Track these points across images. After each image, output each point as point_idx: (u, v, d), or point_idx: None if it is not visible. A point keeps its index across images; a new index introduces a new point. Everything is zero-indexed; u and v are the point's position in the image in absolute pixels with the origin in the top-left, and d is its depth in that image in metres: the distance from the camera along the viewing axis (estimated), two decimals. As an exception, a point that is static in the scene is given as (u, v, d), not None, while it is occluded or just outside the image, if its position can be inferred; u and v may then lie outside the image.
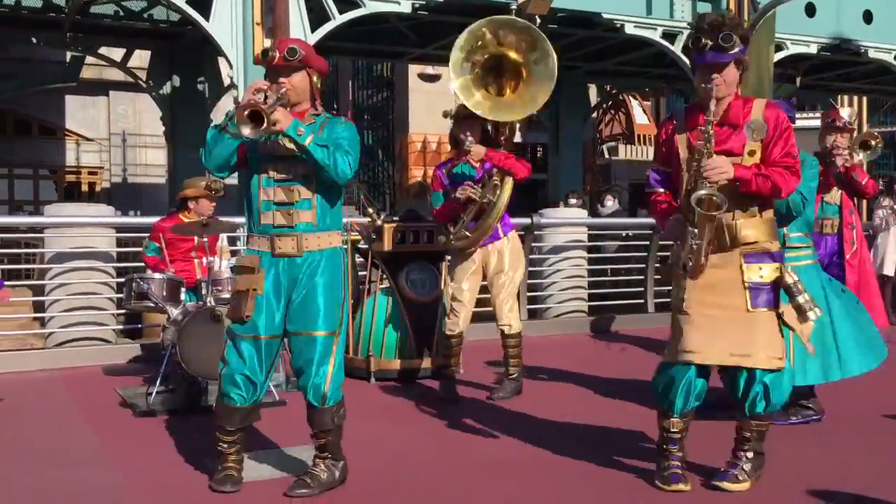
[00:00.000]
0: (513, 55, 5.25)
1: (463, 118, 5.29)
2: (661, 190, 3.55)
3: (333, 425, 3.59)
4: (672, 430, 3.54)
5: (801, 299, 3.44)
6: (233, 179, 3.86)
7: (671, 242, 3.66)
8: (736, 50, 3.38)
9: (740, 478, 3.55)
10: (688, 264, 3.38)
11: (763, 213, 3.51)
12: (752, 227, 3.46)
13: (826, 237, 5.19)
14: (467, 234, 5.27)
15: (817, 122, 7.73)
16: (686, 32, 11.10)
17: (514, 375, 5.51)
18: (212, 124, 3.62)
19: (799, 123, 7.43)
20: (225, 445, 3.62)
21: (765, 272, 3.46)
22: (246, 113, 3.32)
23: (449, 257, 5.63)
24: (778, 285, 3.48)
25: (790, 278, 3.45)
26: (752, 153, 3.44)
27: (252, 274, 3.50)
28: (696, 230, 3.34)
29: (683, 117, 3.56)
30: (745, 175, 3.39)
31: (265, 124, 3.33)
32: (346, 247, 4.20)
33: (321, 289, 3.54)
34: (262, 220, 3.54)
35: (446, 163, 5.53)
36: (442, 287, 6.04)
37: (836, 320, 4.57)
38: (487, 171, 5.28)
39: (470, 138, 5.24)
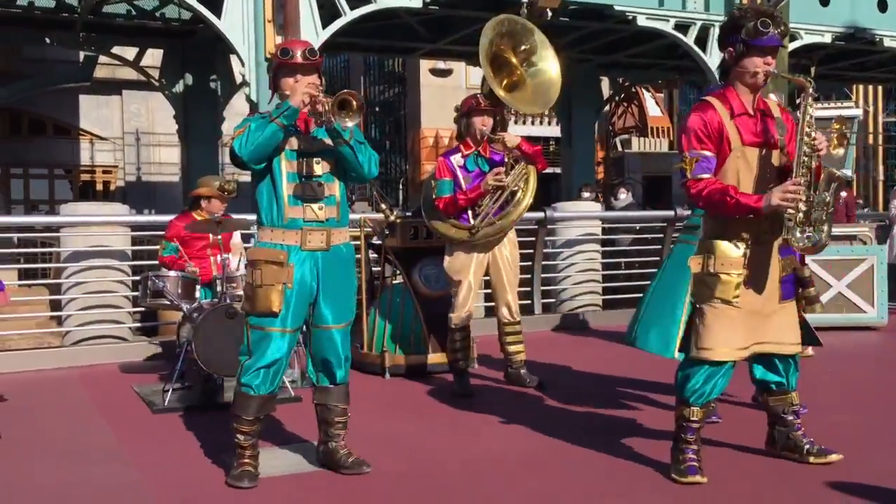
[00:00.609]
0: (513, 58, 5.44)
1: (483, 108, 5.31)
2: (710, 176, 3.45)
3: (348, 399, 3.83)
4: (693, 418, 3.57)
5: (813, 290, 3.64)
6: (245, 178, 3.89)
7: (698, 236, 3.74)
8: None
9: (829, 449, 3.75)
10: (818, 238, 3.41)
11: None
12: (780, 221, 3.45)
13: None
14: (494, 221, 5.28)
15: (831, 112, 7.69)
16: (699, 24, 11.06)
17: (523, 361, 5.60)
18: (253, 115, 3.65)
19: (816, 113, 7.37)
20: (242, 437, 3.66)
21: (787, 264, 3.59)
22: (338, 101, 3.44)
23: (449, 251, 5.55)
24: (797, 275, 3.62)
25: (808, 271, 3.55)
26: (782, 148, 3.51)
27: (281, 267, 3.55)
28: (831, 201, 3.44)
29: (721, 105, 3.51)
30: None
31: (356, 111, 3.45)
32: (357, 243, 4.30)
33: (348, 282, 3.76)
34: (289, 215, 3.59)
35: (452, 152, 5.50)
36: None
37: None
38: (511, 160, 5.30)
39: (487, 126, 5.29)
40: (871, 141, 24.29)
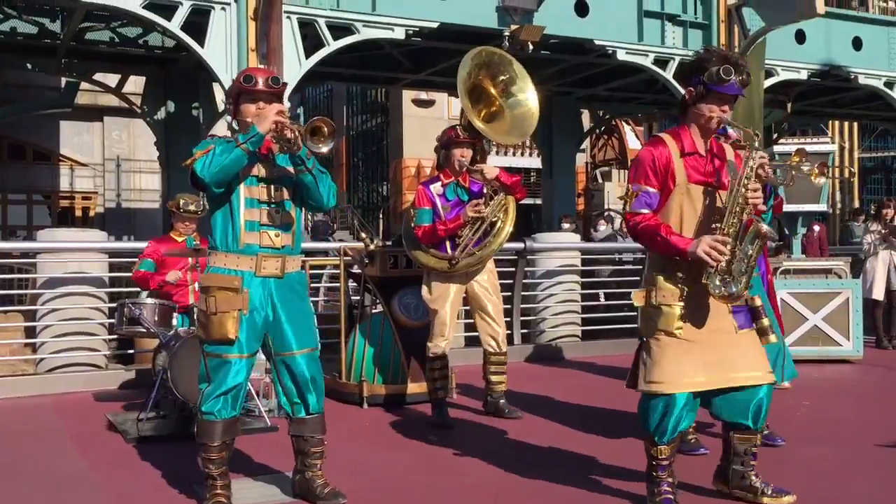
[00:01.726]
0: (491, 88, 5.53)
1: (462, 139, 5.37)
2: (648, 212, 3.50)
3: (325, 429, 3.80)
4: (661, 457, 3.54)
5: (766, 321, 3.58)
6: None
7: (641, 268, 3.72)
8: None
9: (785, 489, 3.67)
10: (734, 289, 3.40)
11: None
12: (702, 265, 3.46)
13: None
14: (475, 251, 5.29)
15: (807, 148, 7.80)
16: (678, 59, 11.22)
17: (503, 391, 5.59)
18: (219, 139, 3.61)
19: (790, 148, 7.50)
20: (212, 466, 3.62)
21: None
22: (311, 127, 3.47)
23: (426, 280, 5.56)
24: (749, 306, 3.58)
25: (758, 301, 3.57)
26: (730, 191, 3.51)
27: (235, 294, 3.52)
28: (753, 255, 3.43)
29: (672, 142, 3.56)
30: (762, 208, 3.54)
31: (328, 138, 3.48)
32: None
33: (304, 308, 3.76)
34: (244, 240, 3.57)
35: (432, 181, 5.52)
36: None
37: None
38: (489, 191, 5.34)
39: (466, 157, 5.36)
40: (847, 175, 24.63)
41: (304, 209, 3.75)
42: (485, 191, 5.39)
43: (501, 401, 5.59)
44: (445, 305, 5.37)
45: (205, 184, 3.48)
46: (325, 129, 3.49)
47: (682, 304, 3.46)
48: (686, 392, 3.46)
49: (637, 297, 3.56)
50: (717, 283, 3.40)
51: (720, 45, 10.99)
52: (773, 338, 3.57)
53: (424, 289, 5.46)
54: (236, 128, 3.75)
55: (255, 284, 3.58)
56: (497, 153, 21.95)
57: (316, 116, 3.59)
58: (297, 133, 3.48)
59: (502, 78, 5.53)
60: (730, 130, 4.25)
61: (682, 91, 3.63)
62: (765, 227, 3.42)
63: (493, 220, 5.32)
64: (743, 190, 3.42)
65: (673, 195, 3.50)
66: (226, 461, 3.66)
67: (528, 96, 5.56)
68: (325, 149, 3.50)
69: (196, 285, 5.50)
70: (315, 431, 3.76)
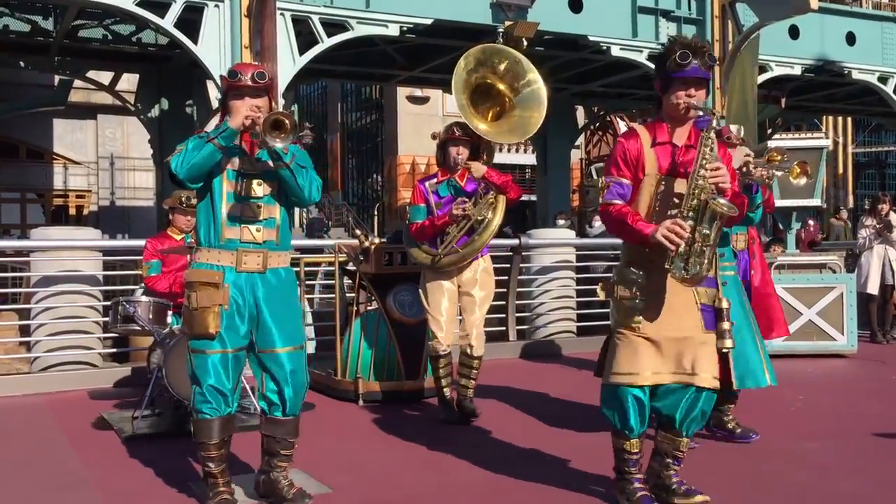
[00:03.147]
0: (500, 84, 5.51)
1: (456, 137, 5.36)
2: (620, 202, 3.51)
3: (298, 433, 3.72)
4: (632, 451, 3.53)
5: (727, 325, 3.50)
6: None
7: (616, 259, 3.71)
8: (709, 73, 3.50)
9: (697, 489, 3.58)
10: (695, 270, 3.36)
11: None
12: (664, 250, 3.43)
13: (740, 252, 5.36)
14: (458, 249, 5.29)
15: (801, 143, 7.81)
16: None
17: (472, 396, 5.45)
18: (194, 135, 3.60)
19: (785, 143, 7.51)
20: (212, 465, 3.61)
21: (708, 295, 3.53)
22: (270, 121, 3.40)
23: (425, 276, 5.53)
24: (715, 307, 3.52)
25: (725, 303, 3.51)
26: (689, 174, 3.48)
27: (216, 289, 3.51)
28: (711, 234, 3.36)
29: (645, 133, 3.57)
30: (735, 188, 3.48)
31: (289, 133, 3.41)
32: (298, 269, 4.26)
33: (290, 305, 3.68)
34: (226, 235, 3.56)
35: (430, 178, 5.54)
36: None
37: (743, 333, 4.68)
38: (482, 189, 5.34)
39: (462, 155, 5.35)
40: (840, 171, 24.69)
41: (286, 205, 3.69)
42: (479, 189, 5.38)
43: (465, 400, 5.42)
44: (440, 303, 5.38)
45: (180, 179, 3.49)
46: (286, 122, 3.43)
47: (641, 298, 3.45)
48: (647, 385, 3.45)
49: (600, 290, 3.58)
50: (679, 264, 3.38)
51: (713, 41, 11.01)
52: (728, 342, 3.48)
53: (421, 288, 5.47)
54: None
55: (236, 279, 3.56)
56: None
57: (277, 110, 3.54)
58: (290, 120, 3.45)
59: (508, 74, 5.52)
60: (725, 126, 4.25)
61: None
62: (722, 205, 3.33)
63: (480, 218, 5.29)
64: (701, 171, 3.38)
65: (643, 184, 3.51)
66: (225, 458, 3.65)
67: (537, 92, 5.56)
68: (280, 144, 3.43)
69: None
70: (287, 434, 3.68)
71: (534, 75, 5.57)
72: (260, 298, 3.59)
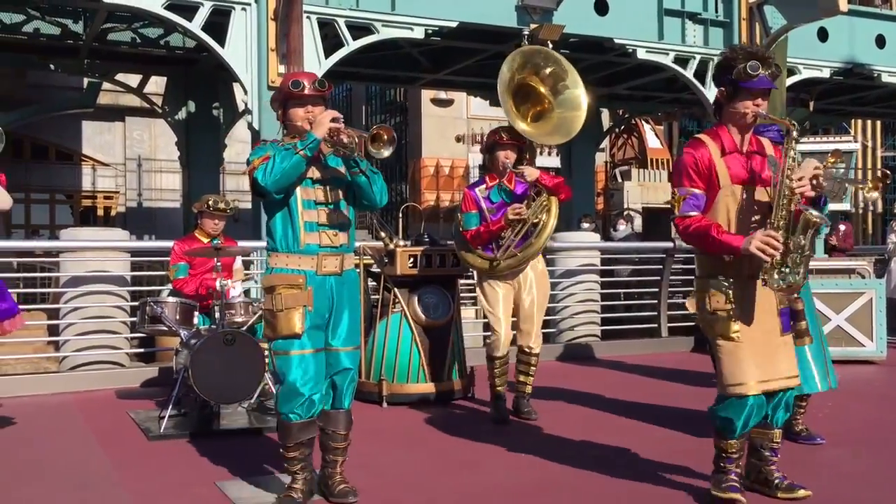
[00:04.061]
0: (541, 87, 5.61)
1: (504, 142, 5.41)
2: (698, 213, 3.53)
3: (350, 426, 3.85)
4: (731, 451, 3.60)
5: (803, 324, 3.65)
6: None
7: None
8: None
9: (800, 484, 3.69)
10: (793, 280, 3.43)
11: None
12: (758, 261, 3.48)
13: None
14: (517, 252, 5.33)
15: (829, 146, 7.73)
16: (699, 57, 11.15)
17: (529, 394, 5.59)
18: (273, 145, 3.64)
19: (811, 147, 7.44)
20: (287, 463, 3.71)
21: (784, 298, 3.61)
22: (373, 133, 3.57)
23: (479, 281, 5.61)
24: (791, 308, 3.64)
25: (800, 304, 3.56)
26: (774, 186, 3.51)
27: (300, 291, 3.62)
28: (805, 244, 3.44)
29: (712, 143, 3.58)
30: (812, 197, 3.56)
31: (389, 143, 3.58)
32: (358, 270, 4.36)
33: (356, 306, 3.84)
34: (305, 240, 3.66)
35: (478, 184, 5.59)
36: (454, 310, 6.09)
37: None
38: (533, 192, 5.37)
39: (510, 160, 5.40)
40: (869, 175, 24.39)
41: (356, 208, 3.83)
42: (529, 192, 5.41)
43: (523, 400, 5.60)
44: (498, 306, 5.44)
45: (266, 191, 3.56)
46: (385, 135, 3.59)
47: (733, 307, 3.51)
48: (752, 393, 3.50)
49: (690, 304, 3.64)
50: (776, 276, 3.42)
51: (741, 43, 10.91)
52: (807, 340, 3.63)
53: (479, 292, 5.56)
54: (285, 132, 3.80)
55: (317, 283, 3.66)
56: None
57: (378, 125, 3.73)
58: (353, 137, 3.58)
59: (550, 75, 5.57)
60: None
61: (716, 92, 3.67)
62: (814, 215, 3.42)
63: (535, 221, 5.35)
64: (787, 181, 3.42)
65: (719, 195, 3.54)
66: (306, 457, 3.73)
67: (578, 93, 5.62)
68: (386, 153, 3.60)
69: (218, 284, 5.48)
70: (338, 427, 3.79)
71: (575, 78, 5.62)
72: (336, 299, 3.71)
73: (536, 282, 5.49)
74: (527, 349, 5.52)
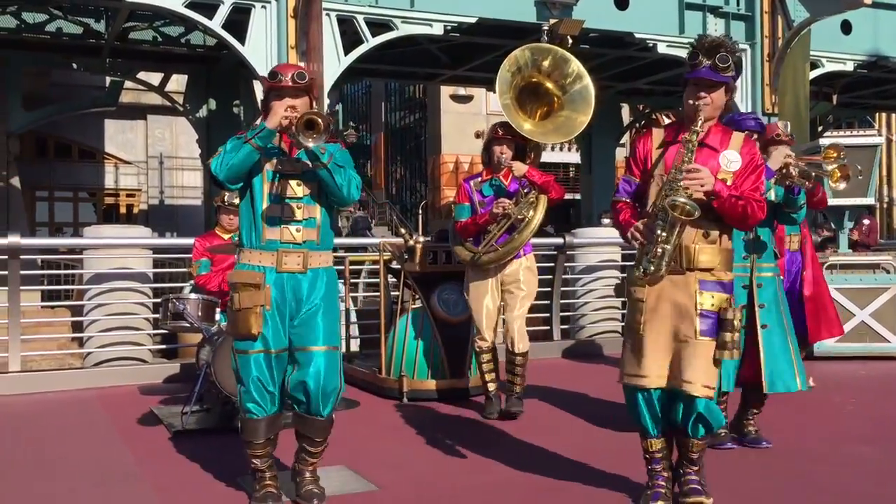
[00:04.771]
0: (547, 83, 5.53)
1: (499, 136, 5.38)
2: (626, 199, 3.58)
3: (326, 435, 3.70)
4: (651, 450, 3.53)
5: (729, 336, 3.36)
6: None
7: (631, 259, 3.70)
8: (729, 74, 3.44)
9: (708, 491, 3.51)
10: (649, 269, 3.35)
11: (722, 242, 3.47)
12: (709, 254, 3.42)
13: (792, 252, 5.25)
14: (498, 247, 5.31)
15: (853, 140, 7.65)
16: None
17: (520, 393, 5.48)
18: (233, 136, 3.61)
19: (834, 142, 7.35)
20: (257, 461, 3.65)
21: (715, 301, 3.41)
22: (304, 121, 3.40)
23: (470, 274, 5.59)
24: (720, 316, 3.39)
25: (732, 314, 3.37)
26: (723, 181, 3.41)
27: (257, 290, 3.52)
28: (664, 234, 3.32)
29: (663, 133, 3.59)
30: (722, 191, 3.37)
31: (321, 132, 3.40)
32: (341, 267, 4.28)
33: (329, 306, 3.66)
34: (266, 236, 3.57)
35: (475, 177, 5.59)
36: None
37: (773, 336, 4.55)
38: (523, 188, 5.35)
39: (505, 155, 5.36)
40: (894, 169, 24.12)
41: (328, 205, 3.68)
42: (522, 189, 5.39)
43: (511, 398, 5.44)
44: (482, 300, 5.42)
45: (220, 181, 3.52)
46: (319, 122, 3.42)
47: (642, 298, 3.44)
48: (654, 387, 3.42)
49: (615, 291, 3.62)
50: (642, 265, 3.39)
51: (763, 37, 10.82)
52: (727, 354, 3.35)
53: (465, 285, 5.53)
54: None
55: (277, 280, 3.57)
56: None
57: (312, 110, 3.52)
58: (322, 119, 3.44)
59: (554, 71, 5.54)
60: (772, 123, 4.19)
61: None
62: (680, 202, 3.25)
63: (520, 217, 5.30)
64: (676, 174, 3.35)
65: (652, 184, 3.49)
66: (271, 455, 3.69)
67: (585, 84, 5.56)
68: (311, 143, 3.41)
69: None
70: (315, 434, 3.66)
71: (580, 71, 5.55)
72: (301, 297, 3.59)
73: (522, 280, 5.43)
74: (510, 347, 5.43)
